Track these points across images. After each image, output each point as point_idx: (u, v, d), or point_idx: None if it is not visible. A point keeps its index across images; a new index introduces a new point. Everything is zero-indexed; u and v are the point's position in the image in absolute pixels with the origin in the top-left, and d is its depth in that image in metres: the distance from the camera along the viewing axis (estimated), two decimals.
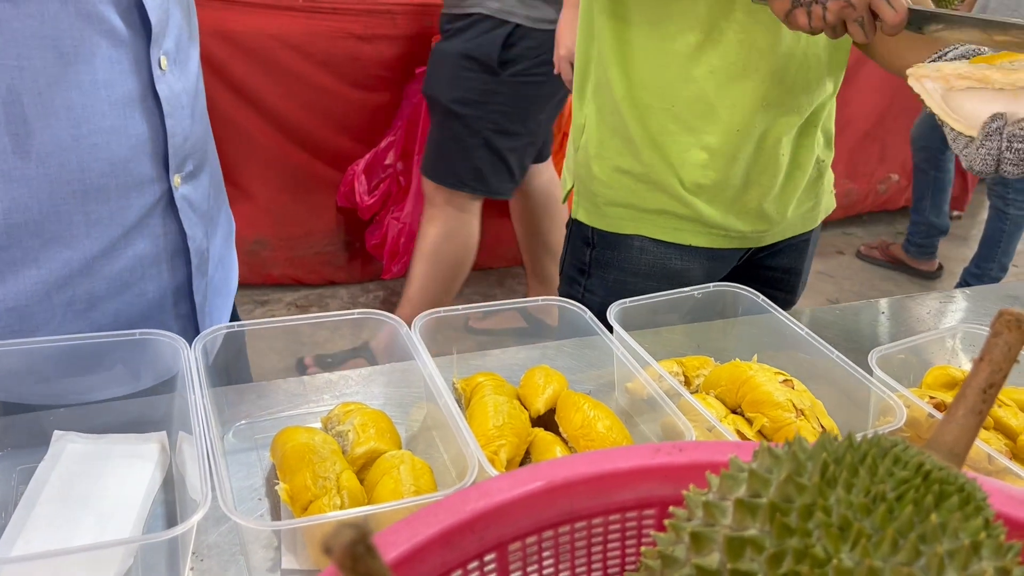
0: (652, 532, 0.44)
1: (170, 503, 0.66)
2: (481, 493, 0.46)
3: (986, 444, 0.70)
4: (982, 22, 0.72)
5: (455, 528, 0.44)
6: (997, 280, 3.10)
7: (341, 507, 0.62)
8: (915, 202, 3.35)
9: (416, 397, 0.79)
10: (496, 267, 3.03)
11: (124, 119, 0.72)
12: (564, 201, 1.18)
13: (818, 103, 1.01)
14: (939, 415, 0.72)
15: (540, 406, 0.73)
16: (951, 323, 1.05)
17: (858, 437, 0.40)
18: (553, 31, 1.74)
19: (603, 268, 1.08)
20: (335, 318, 0.75)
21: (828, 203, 1.14)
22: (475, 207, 2.18)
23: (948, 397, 0.76)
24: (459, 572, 0.45)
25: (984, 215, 4.06)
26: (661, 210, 1.04)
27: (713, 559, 0.39)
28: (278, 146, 2.60)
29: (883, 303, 1.09)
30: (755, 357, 0.85)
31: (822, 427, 0.73)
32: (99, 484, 0.66)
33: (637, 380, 0.81)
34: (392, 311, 2.75)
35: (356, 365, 2.37)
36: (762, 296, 0.87)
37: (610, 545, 0.51)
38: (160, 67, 0.74)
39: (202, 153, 0.84)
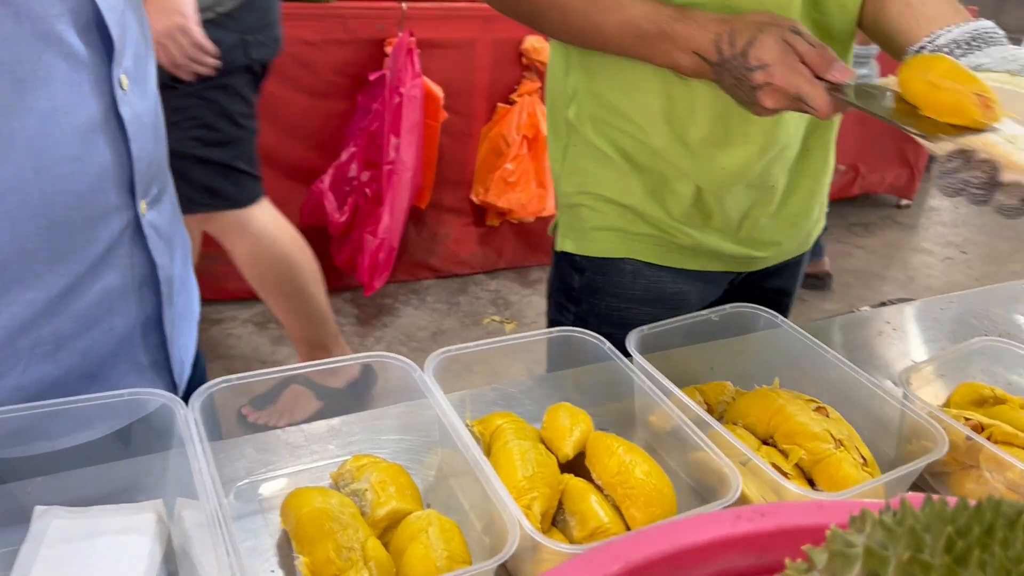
0: None
1: None
2: None
3: None
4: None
5: None
6: None
7: None
8: None
9: (428, 443, 0.74)
10: (460, 274, 2.98)
11: (87, 146, 0.66)
12: (550, 233, 1.13)
13: (819, 127, 0.98)
14: (977, 438, 0.70)
15: (569, 451, 0.68)
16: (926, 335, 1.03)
17: (972, 502, 0.36)
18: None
19: (594, 294, 1.03)
20: (340, 364, 0.69)
21: (821, 222, 1.11)
22: (249, 215, 1.95)
23: (982, 417, 0.74)
24: None
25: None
26: (651, 235, 0.99)
27: None
28: None
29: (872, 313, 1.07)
30: (776, 381, 0.81)
31: (863, 458, 0.69)
32: (91, 566, 0.59)
33: (660, 412, 0.77)
34: (371, 323, 2.65)
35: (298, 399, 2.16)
36: (780, 316, 0.84)
37: None
38: (121, 87, 0.67)
39: (164, 175, 0.78)
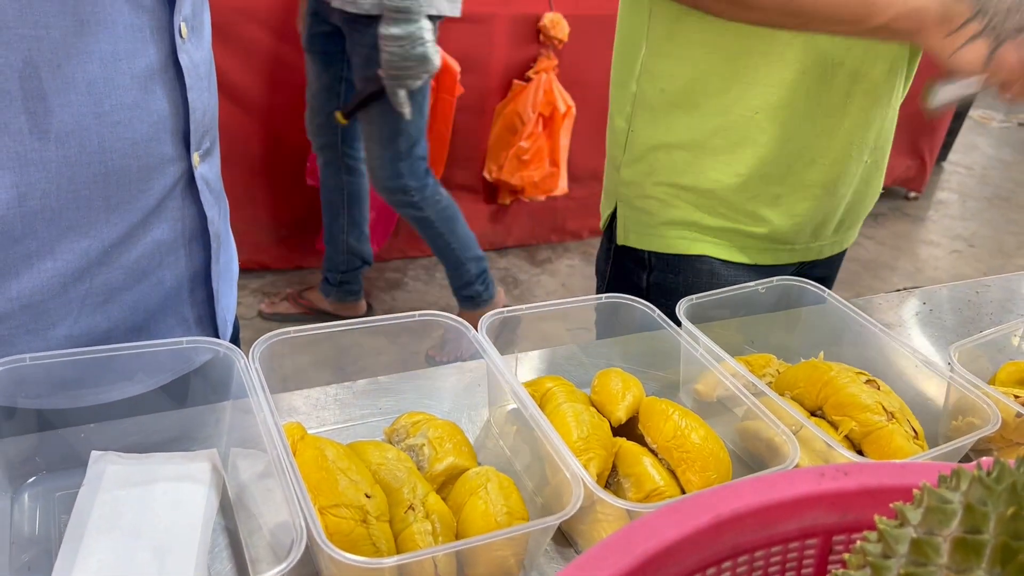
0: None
1: (232, 531, 0.60)
2: (649, 531, 0.41)
3: None
4: None
5: (630, 573, 0.40)
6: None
7: (432, 535, 0.56)
8: (327, 224, 2.43)
9: (476, 403, 0.73)
10: None
11: (146, 93, 0.65)
12: (605, 228, 1.08)
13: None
14: None
15: (621, 415, 0.68)
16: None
17: None
18: None
19: (666, 294, 0.99)
20: (392, 322, 0.69)
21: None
22: None
23: None
24: None
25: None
26: (726, 228, 0.97)
27: None
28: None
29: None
30: (821, 354, 0.81)
31: (914, 431, 0.69)
32: (150, 511, 0.59)
33: (707, 381, 0.77)
34: (378, 296, 2.67)
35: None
36: (827, 291, 0.84)
37: (798, 560, 0.47)
38: (181, 35, 0.66)
39: (215, 128, 0.78)
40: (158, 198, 0.69)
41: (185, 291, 0.76)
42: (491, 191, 2.90)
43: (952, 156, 4.56)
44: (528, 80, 2.74)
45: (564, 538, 0.63)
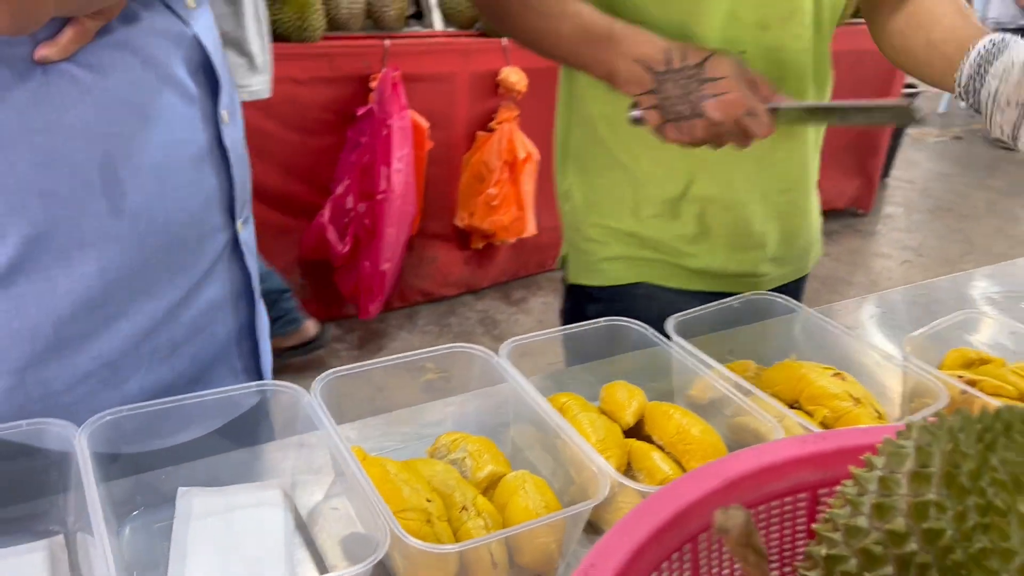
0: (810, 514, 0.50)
1: (309, 545, 0.69)
2: (675, 495, 0.52)
3: None
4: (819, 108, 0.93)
5: (663, 527, 0.50)
6: None
7: (485, 528, 0.66)
8: None
9: (501, 423, 0.84)
10: (448, 296, 3.08)
11: (198, 173, 0.76)
12: (560, 268, 1.19)
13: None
14: (971, 390, 0.82)
15: (630, 419, 0.79)
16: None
17: (990, 410, 0.48)
18: None
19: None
20: (426, 355, 0.80)
21: (818, 248, 1.21)
22: None
23: (972, 375, 0.86)
24: (666, 563, 0.51)
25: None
26: (660, 260, 1.07)
27: (899, 523, 0.46)
28: None
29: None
30: (793, 356, 0.93)
31: (878, 413, 0.81)
32: (237, 533, 0.68)
33: (699, 386, 0.88)
34: (367, 347, 2.74)
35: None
36: (793, 301, 0.96)
37: (771, 530, 0.58)
38: (223, 121, 0.77)
39: (250, 198, 0.88)
40: (210, 262, 0.80)
41: (234, 344, 0.86)
42: (464, 237, 3.03)
43: (894, 172, 4.80)
44: (491, 130, 2.88)
45: (592, 529, 0.73)
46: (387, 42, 2.64)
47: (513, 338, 0.82)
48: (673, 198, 1.04)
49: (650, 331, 0.88)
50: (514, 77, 2.83)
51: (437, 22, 2.91)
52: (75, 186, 0.67)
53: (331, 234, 2.54)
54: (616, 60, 0.88)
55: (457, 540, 0.66)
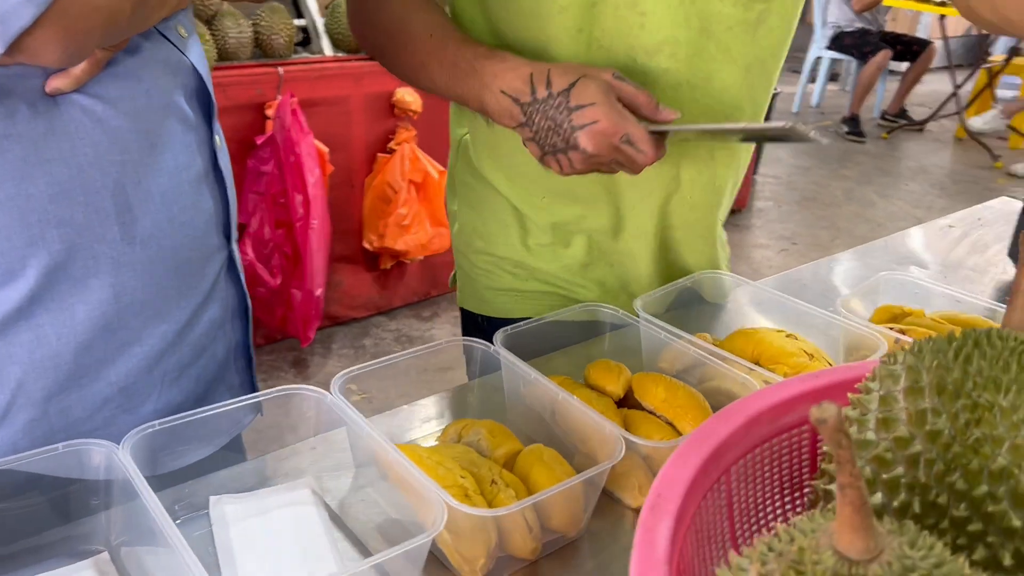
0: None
1: (347, 534, 0.73)
2: (707, 433, 0.59)
3: None
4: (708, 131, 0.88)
5: (706, 461, 0.57)
6: None
7: (516, 497, 0.72)
8: None
9: (496, 409, 0.89)
10: (359, 318, 3.08)
11: (199, 196, 0.79)
12: (452, 287, 1.17)
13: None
14: (905, 337, 0.94)
15: (619, 390, 0.86)
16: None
17: (955, 336, 0.57)
18: None
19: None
20: (428, 350, 0.84)
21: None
22: None
23: (902, 326, 0.98)
24: (709, 492, 0.58)
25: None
26: (546, 291, 1.05)
27: (903, 431, 0.54)
28: None
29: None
30: (740, 327, 1.03)
31: (829, 364, 0.92)
32: (278, 530, 0.71)
33: (665, 358, 0.96)
34: (305, 369, 2.71)
35: None
36: (742, 278, 1.06)
37: (782, 460, 0.66)
38: (217, 144, 0.80)
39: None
40: (211, 282, 0.82)
41: (231, 361, 0.88)
42: (371, 258, 3.04)
43: (762, 169, 5.12)
44: (391, 152, 2.92)
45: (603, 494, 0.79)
46: (281, 69, 2.64)
47: (506, 327, 0.88)
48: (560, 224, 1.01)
49: (621, 312, 0.95)
50: (409, 98, 2.88)
51: (326, 47, 2.94)
52: (90, 214, 0.69)
53: (261, 270, 2.52)
54: (483, 94, 0.83)
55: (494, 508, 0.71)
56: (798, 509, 0.65)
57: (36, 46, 0.56)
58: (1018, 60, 5.84)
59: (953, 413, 0.53)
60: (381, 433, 0.71)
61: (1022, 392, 0.53)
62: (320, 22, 2.94)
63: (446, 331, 3.05)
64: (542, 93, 0.79)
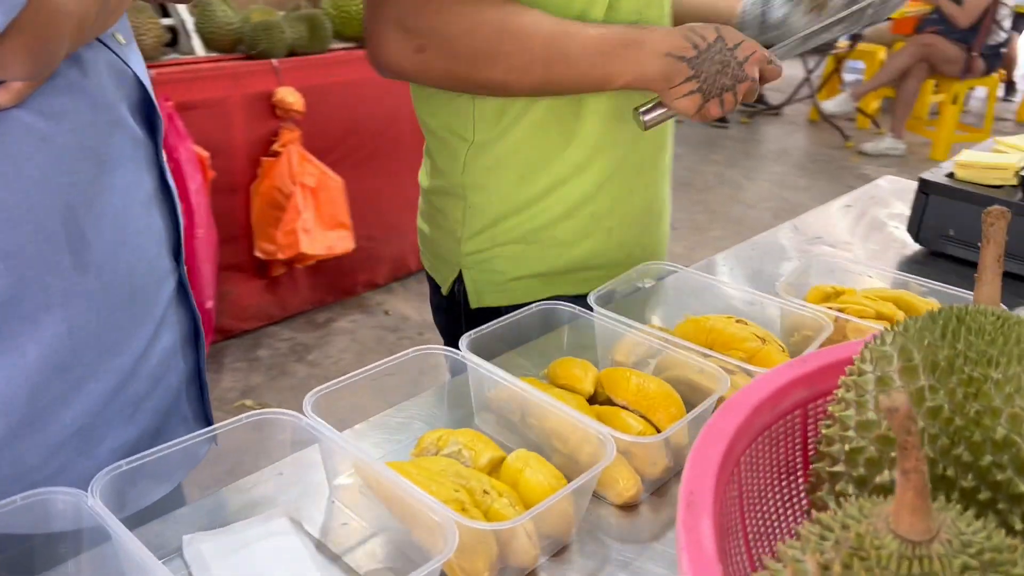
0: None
1: (334, 560, 0.69)
2: (721, 426, 0.59)
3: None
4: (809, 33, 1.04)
5: (724, 455, 0.58)
6: None
7: (512, 506, 0.70)
8: None
9: (466, 415, 0.87)
10: (250, 330, 2.96)
11: (150, 216, 0.73)
12: (447, 294, 1.15)
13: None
14: (844, 316, 0.98)
15: (589, 387, 0.86)
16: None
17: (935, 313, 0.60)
18: None
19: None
20: (396, 360, 0.81)
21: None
22: None
23: (839, 305, 1.02)
24: (727, 485, 0.59)
25: None
26: (570, 268, 1.11)
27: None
28: None
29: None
30: (687, 315, 1.04)
31: (781, 346, 0.94)
32: (265, 563, 0.67)
33: (620, 350, 0.96)
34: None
35: None
36: (683, 267, 1.08)
37: (779, 446, 0.67)
38: (164, 160, 0.75)
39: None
40: (163, 308, 0.76)
41: (184, 391, 0.82)
42: (261, 266, 2.93)
43: None
44: (275, 155, 2.82)
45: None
46: (152, 71, 2.49)
47: (472, 331, 0.86)
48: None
49: (578, 308, 0.95)
50: (290, 98, 2.79)
51: (198, 47, 2.80)
52: (40, 243, 0.62)
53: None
54: (644, 63, 0.93)
55: (490, 519, 0.69)
56: (799, 494, 0.66)
57: (4, 57, 0.50)
58: (862, 46, 6.25)
59: (950, 389, 0.55)
60: (362, 451, 0.68)
61: (1011, 364, 0.56)
62: (190, 21, 2.80)
63: (344, 338, 2.98)
64: (703, 44, 0.92)
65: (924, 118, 5.98)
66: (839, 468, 0.60)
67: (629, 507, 0.78)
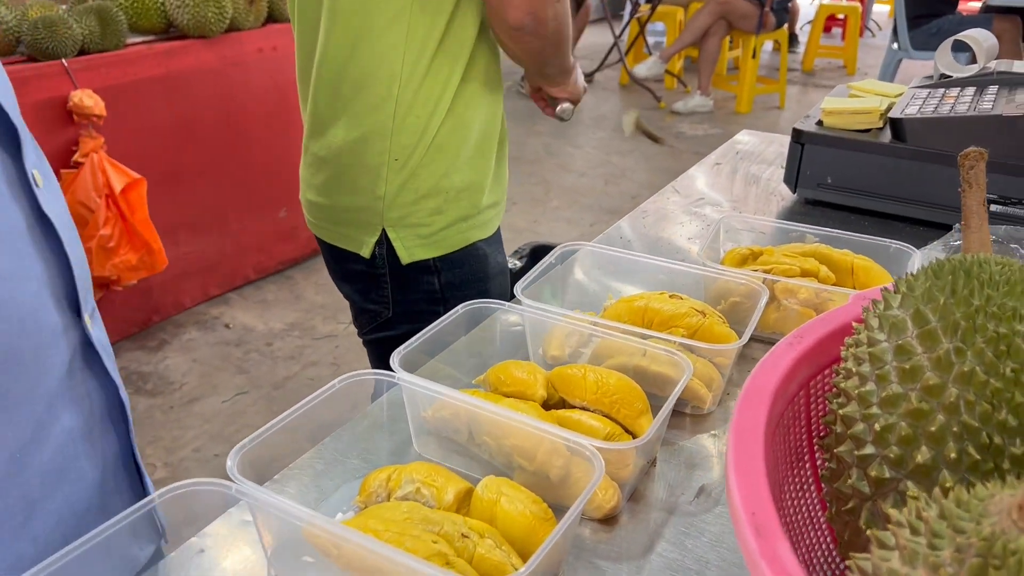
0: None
1: None
2: (749, 420, 0.52)
3: (810, 283, 0.93)
4: None
5: (765, 453, 0.51)
6: None
7: (497, 547, 0.60)
8: None
9: (405, 441, 0.76)
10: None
11: (18, 257, 0.56)
12: (370, 255, 1.20)
13: None
14: (772, 277, 0.94)
15: (543, 392, 0.76)
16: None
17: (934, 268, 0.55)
18: None
19: (458, 287, 1.17)
20: (325, 394, 0.68)
21: None
22: None
23: (761, 267, 0.98)
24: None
25: None
26: (485, 206, 1.18)
27: (931, 377, 0.51)
28: None
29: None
30: (609, 296, 0.97)
31: (720, 318, 0.89)
32: None
33: (551, 343, 0.88)
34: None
35: None
36: (593, 244, 1.00)
37: (789, 431, 0.61)
38: (36, 183, 0.58)
39: (91, 284, 0.68)
40: (58, 378, 0.59)
41: (110, 479, 0.65)
42: None
43: None
44: (77, 166, 2.50)
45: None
46: None
47: (403, 345, 0.74)
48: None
49: (506, 305, 0.85)
50: (89, 101, 2.48)
51: None
52: None
53: None
54: None
55: (478, 567, 0.59)
56: (807, 482, 0.61)
57: None
58: (662, 7, 6.46)
59: (978, 349, 0.51)
60: (309, 513, 0.56)
61: None
62: None
63: (183, 360, 2.71)
64: None
65: (723, 74, 6.28)
66: (868, 451, 0.54)
67: (609, 520, 0.70)
